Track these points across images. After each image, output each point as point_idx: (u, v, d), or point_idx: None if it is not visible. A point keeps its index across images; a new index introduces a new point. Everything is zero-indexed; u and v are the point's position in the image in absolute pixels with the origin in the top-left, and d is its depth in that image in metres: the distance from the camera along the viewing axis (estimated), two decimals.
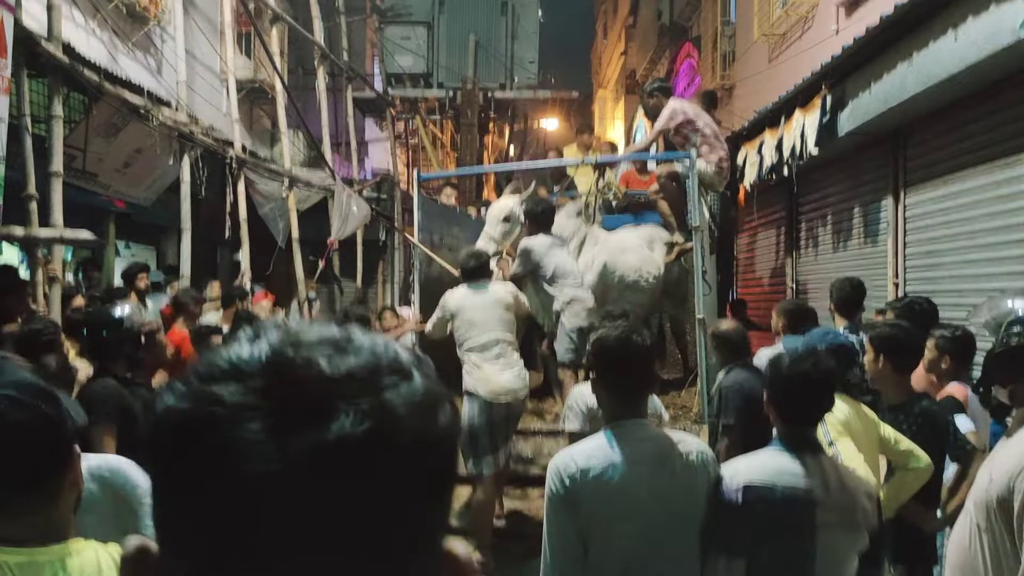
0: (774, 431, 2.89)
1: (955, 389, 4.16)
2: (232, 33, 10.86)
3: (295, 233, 11.22)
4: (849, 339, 5.18)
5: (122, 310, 4.82)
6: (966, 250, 6.42)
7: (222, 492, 0.57)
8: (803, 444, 2.78)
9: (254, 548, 0.57)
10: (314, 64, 13.92)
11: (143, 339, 4.82)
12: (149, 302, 7.94)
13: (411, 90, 17.21)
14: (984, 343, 3.91)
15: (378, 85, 17.18)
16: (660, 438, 2.74)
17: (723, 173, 7.56)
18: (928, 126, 6.98)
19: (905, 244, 7.45)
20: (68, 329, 5.44)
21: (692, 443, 2.78)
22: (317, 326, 0.66)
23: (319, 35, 13.61)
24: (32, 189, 6.00)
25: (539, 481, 6.04)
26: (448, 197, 10.13)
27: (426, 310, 6.40)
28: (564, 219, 7.09)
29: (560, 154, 10.28)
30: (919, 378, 4.20)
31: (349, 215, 11.58)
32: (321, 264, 11.65)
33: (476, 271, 5.77)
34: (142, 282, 7.84)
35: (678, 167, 7.28)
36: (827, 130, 7.68)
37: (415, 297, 7.05)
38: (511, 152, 22.33)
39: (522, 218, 6.83)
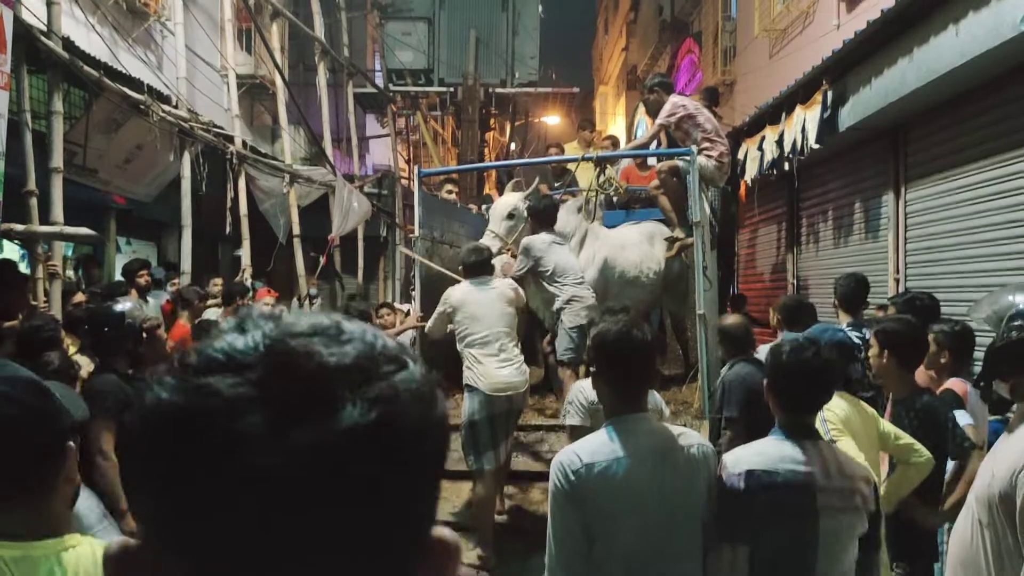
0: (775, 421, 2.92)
1: (954, 384, 4.16)
2: (232, 29, 10.86)
3: (296, 229, 11.22)
4: (849, 335, 5.21)
5: (123, 306, 4.82)
6: (967, 245, 6.42)
7: (225, 487, 0.56)
8: (803, 432, 2.82)
9: (258, 544, 0.56)
10: (315, 60, 13.91)
11: (144, 335, 4.83)
12: (150, 298, 7.94)
13: (412, 86, 17.19)
14: (985, 338, 3.91)
15: (379, 81, 17.16)
16: (662, 432, 2.75)
17: (724, 168, 7.55)
18: (929, 121, 6.97)
19: (906, 239, 7.44)
20: (69, 325, 5.45)
21: (693, 437, 2.80)
22: (305, 315, 0.65)
23: (320, 31, 13.60)
24: (32, 185, 5.99)
25: (540, 476, 6.06)
26: (448, 193, 10.11)
27: (427, 306, 6.40)
28: (565, 215, 7.09)
29: (561, 150, 10.27)
30: (918, 374, 4.20)
31: (350, 211, 11.58)
32: (322, 260, 11.64)
33: (478, 267, 5.76)
34: (143, 278, 7.83)
35: (678, 162, 7.27)
36: (828, 125, 7.67)
37: (416, 293, 7.04)
38: (512, 148, 22.34)
39: (526, 215, 6.83)
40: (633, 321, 2.84)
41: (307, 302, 10.92)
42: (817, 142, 7.77)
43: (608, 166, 8.21)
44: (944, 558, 3.57)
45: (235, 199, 10.06)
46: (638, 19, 26.42)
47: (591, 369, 2.88)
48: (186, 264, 8.91)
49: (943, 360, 4.28)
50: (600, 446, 2.64)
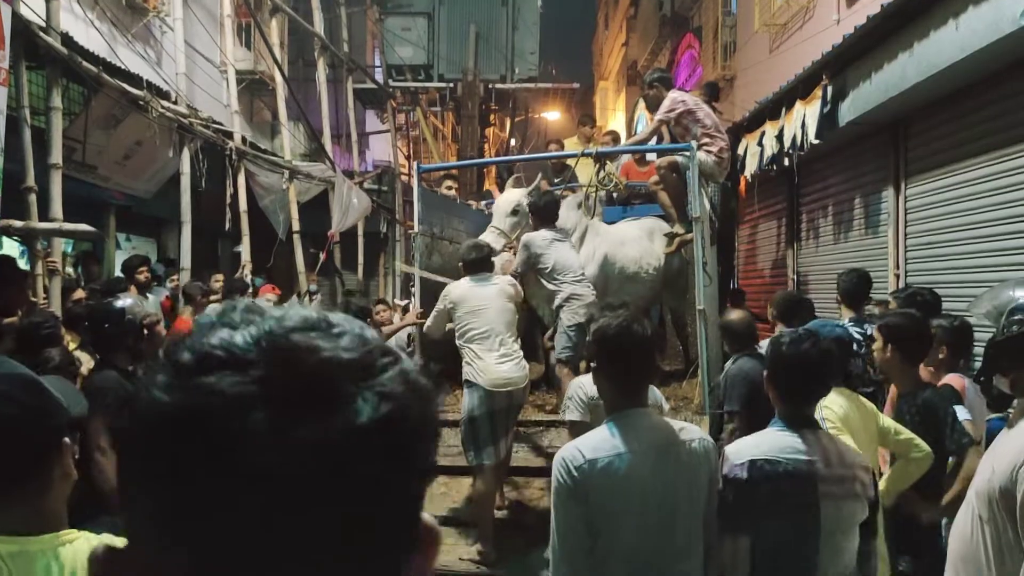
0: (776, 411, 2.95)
1: (952, 380, 4.16)
2: (232, 24, 10.85)
3: (296, 225, 11.22)
4: (849, 331, 5.21)
5: (123, 303, 4.82)
6: (967, 240, 6.42)
7: (230, 488, 0.55)
8: (802, 422, 2.86)
9: (263, 543, 0.55)
10: (314, 55, 13.90)
11: (144, 331, 4.82)
12: (150, 295, 7.94)
13: (412, 82, 17.17)
14: (986, 333, 3.90)
15: (379, 77, 17.15)
16: (663, 427, 2.75)
17: (723, 164, 7.54)
18: (929, 116, 6.97)
19: (906, 235, 7.44)
20: (69, 322, 5.45)
21: (694, 432, 2.81)
22: (292, 309, 0.65)
23: (319, 26, 13.59)
24: (31, 181, 5.99)
25: (540, 472, 6.07)
26: (448, 190, 10.10)
27: (426, 303, 6.40)
28: (565, 211, 7.08)
29: (561, 146, 10.26)
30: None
31: (350, 207, 11.57)
32: (322, 256, 11.65)
33: (478, 263, 5.76)
34: (142, 275, 7.83)
35: (678, 158, 7.26)
36: (828, 120, 7.66)
37: (415, 290, 7.04)
38: (512, 144, 22.33)
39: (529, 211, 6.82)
40: (633, 316, 2.84)
41: (307, 298, 10.91)
42: (817, 137, 7.76)
43: (608, 162, 8.20)
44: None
45: (235, 195, 10.06)
46: (638, 14, 26.41)
47: (592, 364, 2.88)
48: (186, 260, 8.91)
49: (941, 356, 4.28)
50: (602, 442, 2.64)
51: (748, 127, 10.14)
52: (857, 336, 5.24)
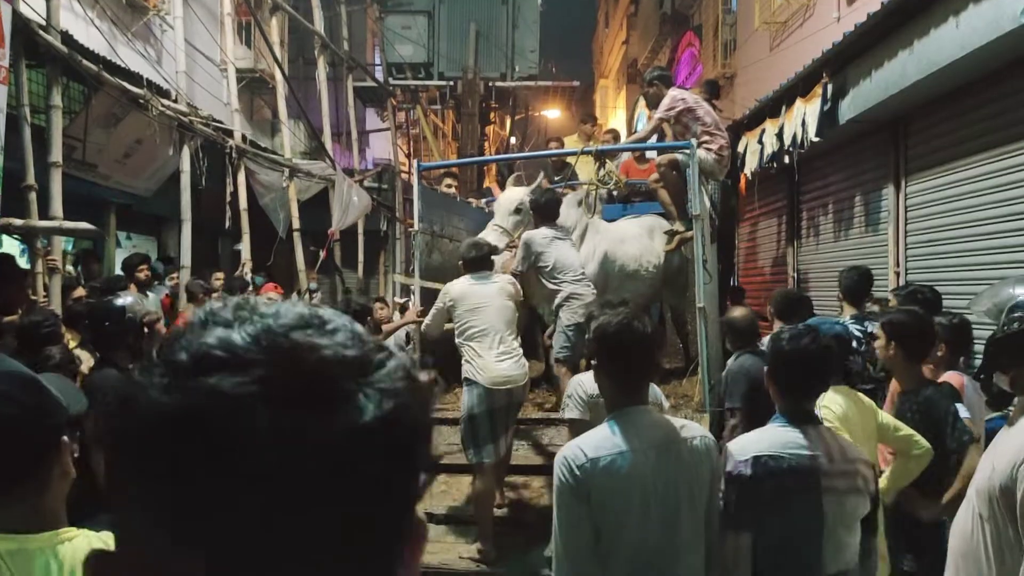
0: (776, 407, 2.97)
1: (951, 377, 4.16)
2: (232, 23, 10.85)
3: (296, 224, 11.22)
4: (850, 328, 5.22)
5: (123, 301, 4.82)
6: (967, 238, 6.41)
7: (234, 488, 0.55)
8: (803, 417, 2.88)
9: (270, 543, 0.55)
10: (314, 54, 13.91)
11: (144, 329, 4.83)
12: (150, 293, 7.94)
13: (412, 80, 17.16)
14: (986, 331, 3.90)
15: (379, 75, 17.14)
16: (664, 424, 2.76)
17: (723, 161, 7.53)
18: (929, 113, 6.96)
19: (906, 232, 7.44)
20: (69, 320, 5.45)
21: (695, 429, 2.81)
22: (286, 306, 0.64)
23: (319, 24, 13.59)
24: (31, 180, 5.99)
25: (540, 470, 6.07)
26: (448, 188, 10.10)
27: (427, 301, 6.40)
28: (566, 209, 7.06)
29: (561, 144, 10.26)
30: None
31: (350, 205, 11.58)
32: (322, 254, 11.65)
33: (478, 261, 5.75)
34: (142, 273, 7.82)
35: (678, 155, 7.26)
36: (828, 118, 7.66)
37: (415, 288, 7.03)
38: (512, 142, 22.31)
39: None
40: (634, 313, 2.84)
41: (307, 296, 10.92)
42: (817, 135, 7.76)
43: (608, 160, 8.20)
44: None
45: (235, 193, 10.07)
46: (638, 12, 26.41)
47: (592, 362, 2.88)
48: (186, 258, 8.91)
49: (940, 353, 4.28)
50: (603, 440, 2.64)
51: (748, 125, 10.13)
52: (857, 333, 5.25)
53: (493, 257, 6.44)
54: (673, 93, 7.44)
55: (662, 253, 7.58)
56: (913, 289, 5.32)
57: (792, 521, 2.76)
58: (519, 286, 5.98)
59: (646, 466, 2.60)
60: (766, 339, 5.35)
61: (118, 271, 8.47)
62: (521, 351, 5.65)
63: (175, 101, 8.76)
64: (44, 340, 4.22)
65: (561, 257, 6.34)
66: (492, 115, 19.22)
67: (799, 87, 8.28)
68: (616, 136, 11.16)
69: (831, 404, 3.58)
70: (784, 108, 8.65)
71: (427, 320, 5.92)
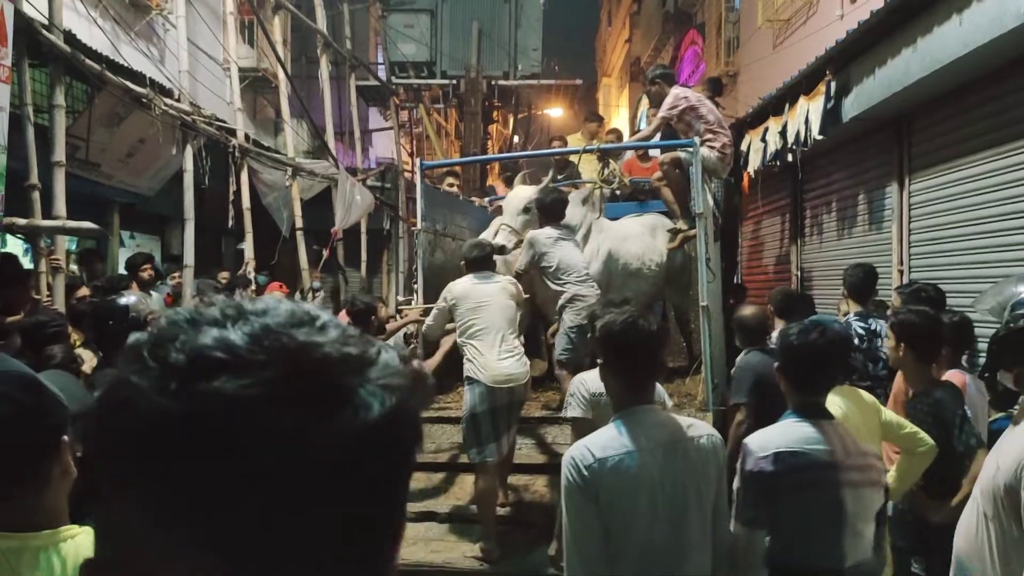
0: (788, 403, 3.02)
1: (953, 376, 4.15)
2: (234, 21, 10.86)
3: (299, 223, 11.23)
4: (853, 325, 5.22)
5: (127, 300, 4.82)
6: (971, 236, 6.40)
7: (242, 489, 0.54)
8: (816, 412, 2.92)
9: (273, 544, 0.55)
10: (317, 53, 13.89)
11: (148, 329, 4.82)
12: (153, 292, 7.95)
13: (415, 79, 17.16)
14: (990, 330, 3.89)
15: (381, 74, 17.14)
16: (670, 423, 2.76)
17: (726, 159, 7.52)
18: (933, 111, 6.95)
19: (910, 230, 7.42)
20: (73, 319, 5.45)
21: (702, 428, 2.82)
22: (276, 303, 0.63)
23: (322, 23, 13.59)
24: (35, 179, 5.99)
25: (543, 469, 6.06)
26: (450, 187, 10.09)
27: (429, 299, 6.39)
28: (571, 207, 7.05)
29: (564, 143, 10.25)
30: None
31: (353, 204, 11.58)
32: (325, 253, 11.66)
33: (479, 261, 5.74)
34: (146, 272, 7.82)
35: (681, 154, 7.25)
36: (831, 116, 7.64)
37: (419, 286, 7.03)
38: (515, 141, 22.32)
39: None
40: (640, 312, 2.85)
41: (310, 295, 10.93)
42: (820, 133, 7.74)
43: (612, 160, 8.19)
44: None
45: (238, 192, 10.07)
46: (641, 10, 26.40)
47: (598, 361, 2.89)
48: (189, 258, 8.91)
49: (942, 352, 4.27)
50: (611, 440, 2.64)
51: (751, 123, 10.12)
52: (860, 331, 5.26)
53: (503, 256, 6.45)
54: (676, 91, 7.43)
55: (665, 251, 7.57)
56: (917, 287, 5.31)
57: (813, 515, 2.80)
58: (520, 286, 5.98)
59: (653, 466, 2.60)
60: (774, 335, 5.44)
61: (121, 270, 8.48)
62: (522, 349, 5.65)
63: (178, 100, 8.76)
64: (50, 340, 4.22)
65: (565, 258, 6.32)
66: (495, 114, 19.23)
67: (802, 85, 8.27)
68: (619, 136, 11.15)
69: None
70: (787, 106, 8.63)
71: (429, 320, 5.92)
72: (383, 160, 18.82)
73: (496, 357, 5.40)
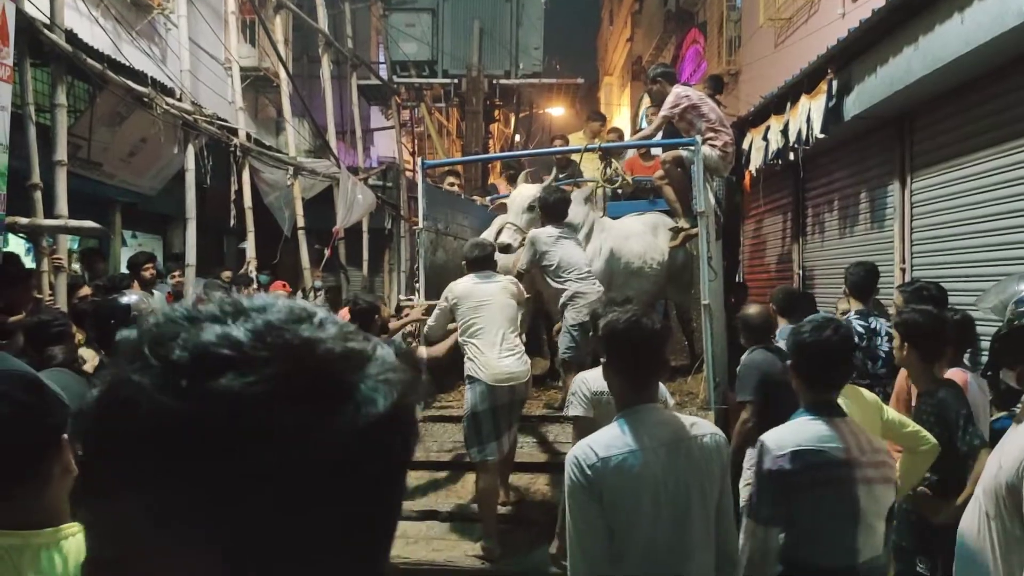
0: (800, 400, 3.04)
1: (955, 374, 4.15)
2: (236, 21, 10.88)
3: (300, 222, 11.23)
4: (854, 324, 5.23)
5: (129, 299, 4.82)
6: (973, 234, 6.39)
7: (249, 487, 0.54)
8: (829, 410, 2.93)
9: (280, 541, 0.55)
10: (318, 52, 13.90)
11: None
12: (155, 291, 7.95)
13: (416, 78, 17.16)
14: (994, 329, 3.88)
15: (383, 73, 17.14)
16: (674, 422, 2.76)
17: (728, 158, 7.52)
18: (935, 109, 6.94)
19: (912, 229, 7.42)
20: (75, 318, 5.46)
21: (706, 426, 2.82)
22: (273, 300, 0.63)
23: (323, 23, 13.60)
24: (36, 178, 6.00)
25: (545, 467, 6.06)
26: (451, 186, 10.09)
27: (431, 298, 6.39)
28: (573, 206, 7.05)
29: (566, 141, 10.24)
30: None
31: (354, 203, 11.59)
32: (327, 253, 11.67)
33: (480, 261, 5.75)
34: (148, 272, 7.82)
35: (683, 152, 7.24)
36: (833, 114, 7.64)
37: (420, 285, 7.03)
38: (517, 139, 22.31)
39: None
40: (643, 310, 2.85)
41: (312, 295, 10.94)
42: (822, 131, 7.74)
43: (613, 159, 8.19)
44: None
45: (239, 192, 10.08)
46: (643, 9, 26.39)
47: (601, 360, 2.88)
48: (191, 257, 8.92)
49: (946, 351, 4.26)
50: (614, 439, 2.64)
51: (753, 122, 10.11)
52: (860, 329, 5.27)
53: (508, 255, 6.45)
54: (677, 90, 7.43)
55: (666, 250, 7.56)
56: (919, 286, 5.31)
57: (829, 512, 2.82)
58: (521, 286, 5.99)
59: (657, 465, 2.60)
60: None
61: (123, 270, 8.48)
62: (523, 348, 5.66)
63: (179, 100, 8.76)
64: (53, 340, 4.22)
65: (565, 256, 6.32)
66: (496, 113, 19.22)
67: (804, 84, 8.26)
68: (619, 135, 11.15)
69: None
70: (789, 105, 8.63)
71: (430, 321, 5.91)
72: (384, 159, 18.83)
73: (497, 356, 5.40)
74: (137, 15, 9.95)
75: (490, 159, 16.03)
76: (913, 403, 4.11)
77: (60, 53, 6.51)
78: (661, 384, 4.38)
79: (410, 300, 7.57)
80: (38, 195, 5.98)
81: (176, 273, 9.00)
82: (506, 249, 6.48)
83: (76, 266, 8.85)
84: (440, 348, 5.88)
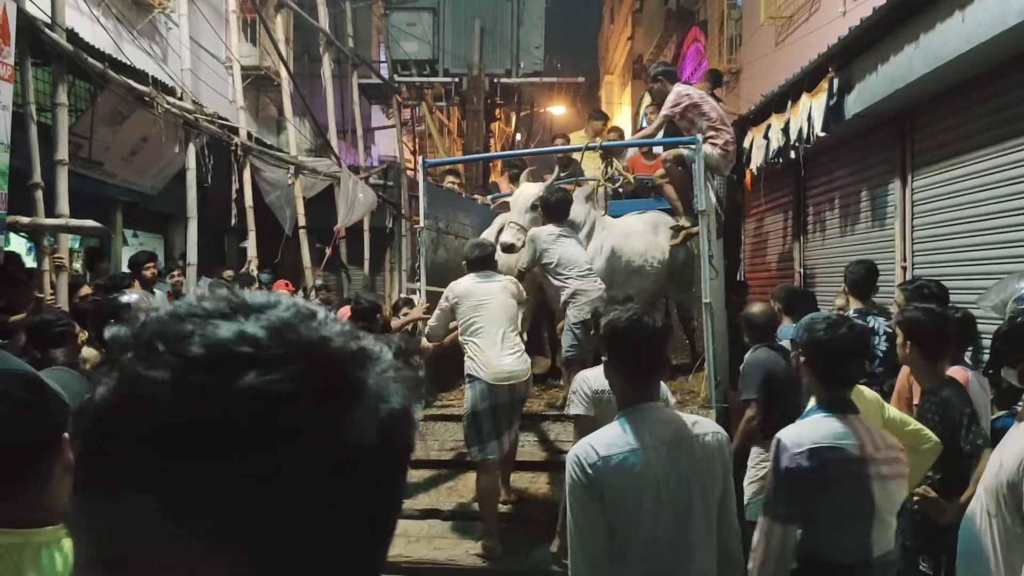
0: (812, 398, 3.08)
1: (956, 372, 4.14)
2: (237, 20, 10.89)
3: (301, 221, 11.24)
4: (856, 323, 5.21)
5: (130, 298, 4.83)
6: (974, 232, 6.39)
7: (265, 487, 0.54)
8: (843, 407, 2.96)
9: (292, 539, 0.55)
10: (319, 51, 13.92)
11: None
12: (156, 290, 7.95)
13: (417, 77, 17.16)
14: (994, 327, 3.88)
15: (384, 72, 17.15)
16: (675, 420, 2.75)
17: (729, 157, 7.51)
18: (935, 108, 6.93)
19: (913, 227, 7.41)
20: (76, 318, 5.46)
21: (708, 425, 2.81)
22: (277, 297, 0.63)
23: (324, 22, 13.61)
24: (38, 178, 6.01)
25: (546, 466, 6.07)
26: (451, 184, 10.09)
27: (433, 298, 6.40)
28: (574, 205, 7.04)
29: (567, 140, 10.24)
30: None
31: (355, 202, 11.60)
32: (328, 252, 11.67)
33: (481, 261, 5.75)
34: (149, 271, 7.82)
35: (684, 151, 7.24)
36: (834, 113, 7.63)
37: (421, 284, 7.03)
38: (518, 138, 22.31)
39: None
40: (644, 309, 2.84)
41: (313, 293, 10.94)
42: (823, 130, 7.73)
43: (615, 159, 8.19)
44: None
45: (240, 191, 10.09)
46: (644, 8, 26.35)
47: (603, 358, 2.88)
48: (192, 256, 8.93)
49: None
50: (615, 438, 2.64)
51: (754, 120, 10.10)
52: None
53: (510, 254, 6.45)
54: (678, 89, 7.42)
55: (667, 249, 7.56)
56: (920, 284, 5.30)
57: (844, 508, 2.84)
58: (521, 285, 5.99)
59: (658, 463, 2.59)
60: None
61: (125, 269, 8.49)
62: (523, 347, 5.66)
63: (180, 99, 8.78)
64: (56, 339, 4.22)
65: (566, 254, 6.32)
66: (497, 111, 19.23)
67: (805, 82, 8.25)
68: (620, 134, 11.14)
69: None
70: (790, 103, 8.62)
71: (432, 321, 5.91)
72: (385, 158, 18.83)
73: (497, 354, 5.40)
74: (138, 14, 9.96)
75: (491, 158, 16.02)
76: (915, 401, 4.11)
77: (61, 52, 6.52)
78: (662, 383, 4.38)
79: (414, 290, 7.57)
80: (39, 194, 5.99)
81: (176, 272, 9.00)
82: (509, 249, 6.48)
83: (77, 265, 8.85)
84: (448, 340, 5.88)
